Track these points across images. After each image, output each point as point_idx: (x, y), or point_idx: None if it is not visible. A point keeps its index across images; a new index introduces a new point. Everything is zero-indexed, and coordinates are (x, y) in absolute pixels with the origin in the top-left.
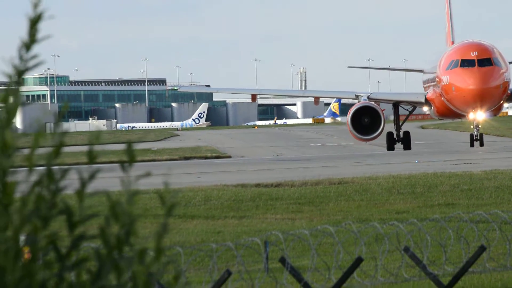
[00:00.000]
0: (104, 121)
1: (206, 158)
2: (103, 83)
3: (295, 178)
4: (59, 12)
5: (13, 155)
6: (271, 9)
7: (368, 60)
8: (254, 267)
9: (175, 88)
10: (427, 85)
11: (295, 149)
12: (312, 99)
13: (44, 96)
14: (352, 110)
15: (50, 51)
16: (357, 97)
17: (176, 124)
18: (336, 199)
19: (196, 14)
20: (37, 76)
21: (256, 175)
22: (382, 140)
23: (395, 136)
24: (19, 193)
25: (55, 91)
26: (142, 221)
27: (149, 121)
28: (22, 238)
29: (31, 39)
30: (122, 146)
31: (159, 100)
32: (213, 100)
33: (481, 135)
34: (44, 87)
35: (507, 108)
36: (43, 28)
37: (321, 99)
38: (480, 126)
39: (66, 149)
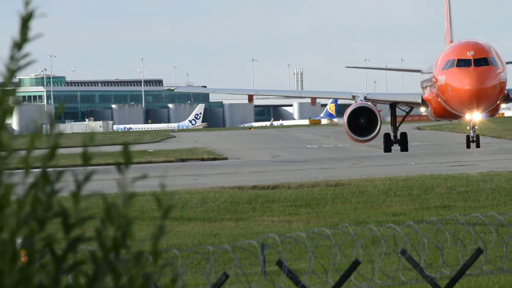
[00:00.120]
0: (100, 122)
1: (203, 160)
2: (99, 84)
3: (291, 180)
4: (55, 12)
5: (9, 156)
6: (267, 9)
7: (365, 60)
8: (251, 270)
9: (172, 88)
10: (424, 85)
11: (292, 151)
12: (308, 100)
13: (40, 97)
14: (348, 111)
15: (46, 52)
16: (353, 97)
17: (173, 125)
18: (333, 201)
19: (192, 15)
20: (34, 77)
21: (253, 177)
22: (379, 141)
23: (392, 138)
24: (15, 195)
25: (52, 92)
26: (139, 224)
27: (146, 122)
28: (18, 241)
29: (23, 38)
30: (118, 148)
31: (156, 101)
32: (210, 101)
33: (478, 136)
34: (41, 88)
35: (504, 109)
36: (39, 28)
37: (317, 100)
38: (476, 127)
39: (62, 150)
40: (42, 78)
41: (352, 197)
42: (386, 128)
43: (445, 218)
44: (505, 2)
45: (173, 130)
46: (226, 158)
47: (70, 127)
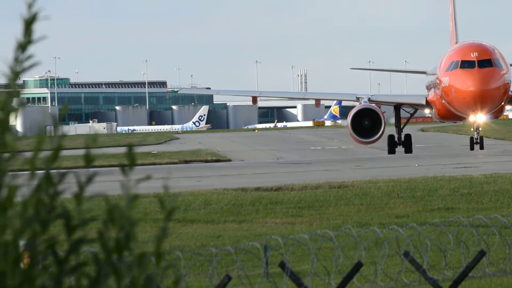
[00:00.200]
0: (104, 124)
1: (206, 161)
2: (103, 86)
3: (295, 182)
4: (59, 14)
5: (14, 158)
6: (271, 11)
7: (369, 62)
8: (254, 271)
9: (175, 90)
10: (429, 87)
11: (295, 153)
12: (312, 102)
13: (44, 98)
14: (352, 113)
15: (50, 53)
16: (358, 99)
17: (177, 127)
18: (336, 203)
19: (196, 16)
20: (38, 79)
21: (256, 179)
22: (383, 143)
23: (396, 139)
24: (19, 197)
25: (56, 94)
26: (142, 225)
27: (150, 124)
28: (21, 242)
29: (27, 40)
30: (122, 150)
31: (160, 103)
32: (214, 102)
33: (481, 138)
34: (45, 90)
35: (508, 111)
36: (43, 30)
37: (321, 102)
38: (480, 128)
39: (66, 152)
40: (46, 80)
41: (355, 199)
42: (390, 130)
43: (448, 220)
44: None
45: (177, 132)
46: (229, 160)
47: (74, 128)
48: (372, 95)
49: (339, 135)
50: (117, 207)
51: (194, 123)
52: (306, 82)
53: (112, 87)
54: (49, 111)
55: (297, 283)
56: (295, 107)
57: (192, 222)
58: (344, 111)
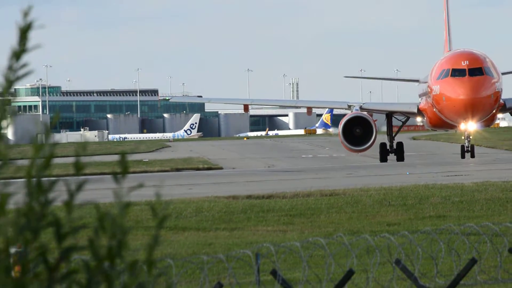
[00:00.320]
0: (96, 132)
1: (198, 169)
2: (95, 94)
3: (286, 189)
4: (50, 22)
5: (5, 166)
6: (263, 20)
7: (361, 70)
8: (245, 279)
9: (167, 98)
10: (421, 95)
11: (287, 161)
12: (304, 110)
13: (36, 106)
14: (343, 121)
15: (42, 62)
16: (349, 107)
17: (168, 135)
18: (328, 211)
19: (188, 25)
20: (29, 87)
21: (248, 187)
22: (375, 151)
23: (388, 147)
24: (9, 205)
25: (47, 102)
26: (133, 233)
27: (141, 132)
28: (12, 250)
29: (21, 49)
30: (114, 158)
31: (151, 111)
32: (205, 111)
33: (472, 146)
34: (36, 98)
35: (499, 119)
36: (34, 38)
37: (313, 110)
38: (471, 137)
39: (57, 160)
40: (38, 88)
41: (347, 207)
42: (382, 138)
43: (439, 228)
44: (505, 13)
45: (169, 140)
46: (221, 168)
47: (65, 136)
48: (363, 103)
49: (330, 143)
50: (108, 214)
51: (185, 131)
52: (297, 91)
53: (104, 95)
54: (41, 119)
55: None
56: (286, 115)
57: (183, 229)
58: (336, 119)
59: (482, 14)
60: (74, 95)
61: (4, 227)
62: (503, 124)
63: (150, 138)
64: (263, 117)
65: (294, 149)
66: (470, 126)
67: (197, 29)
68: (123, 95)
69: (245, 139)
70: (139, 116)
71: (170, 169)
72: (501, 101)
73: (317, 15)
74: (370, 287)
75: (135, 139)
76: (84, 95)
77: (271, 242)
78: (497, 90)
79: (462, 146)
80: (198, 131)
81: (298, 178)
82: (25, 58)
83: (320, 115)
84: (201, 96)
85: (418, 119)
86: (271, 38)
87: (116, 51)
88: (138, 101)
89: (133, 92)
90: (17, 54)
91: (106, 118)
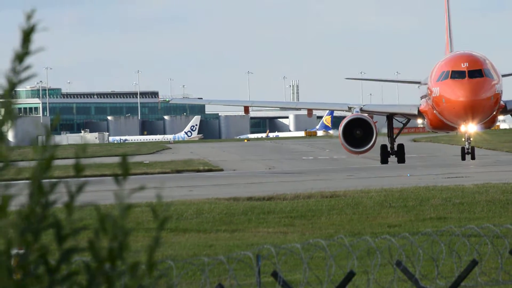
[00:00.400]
0: (96, 134)
1: (198, 171)
2: (95, 96)
3: (287, 191)
4: (50, 24)
5: (7, 168)
6: (263, 22)
7: (361, 73)
8: (246, 281)
9: (167, 100)
10: (421, 96)
11: (287, 162)
12: (304, 112)
13: (36, 108)
14: (343, 122)
15: (42, 64)
16: (350, 109)
17: (169, 137)
18: (328, 212)
19: (188, 27)
20: (29, 89)
21: (248, 189)
22: (376, 153)
23: (389, 149)
24: (11, 206)
25: (47, 104)
26: (134, 235)
27: (142, 134)
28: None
29: (24, 51)
30: (114, 159)
31: (152, 113)
32: (206, 113)
33: (473, 148)
34: (36, 100)
35: (500, 121)
36: (34, 41)
37: (314, 112)
38: (471, 139)
39: (58, 162)
40: (38, 90)
41: (348, 209)
42: (383, 140)
43: (440, 230)
44: (506, 15)
45: (169, 142)
46: (221, 170)
47: (66, 138)
48: (364, 105)
49: (331, 145)
50: (109, 216)
51: (186, 133)
52: (298, 93)
53: (104, 97)
54: (41, 121)
55: None
56: (287, 117)
57: (184, 231)
58: (336, 121)
59: (483, 17)
60: (74, 97)
61: (5, 229)
62: (503, 126)
63: (151, 140)
64: (263, 119)
65: (295, 151)
66: (470, 128)
67: (197, 31)
68: (124, 97)
69: (245, 141)
70: (139, 118)
71: (170, 171)
72: (501, 103)
73: (317, 17)
74: None
75: (136, 141)
76: (84, 97)
77: (272, 244)
78: (497, 92)
79: (463, 148)
80: (198, 133)
81: (298, 180)
82: (27, 60)
83: (320, 117)
84: (201, 98)
85: (419, 121)
86: (271, 40)
87: (116, 53)
88: (139, 103)
89: (133, 94)
90: (20, 57)
91: (107, 120)
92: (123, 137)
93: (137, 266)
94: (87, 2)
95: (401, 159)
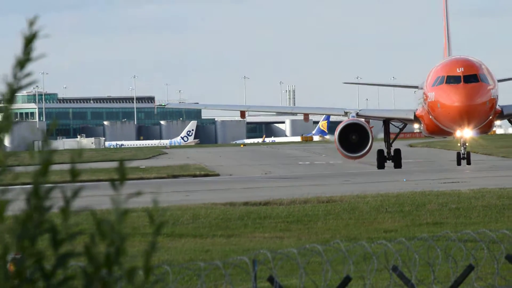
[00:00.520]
0: (92, 139)
1: (195, 176)
2: (91, 101)
3: (283, 196)
4: (47, 29)
5: (3, 173)
6: (259, 26)
7: (357, 78)
8: (242, 286)
9: (163, 104)
10: (418, 101)
11: (284, 167)
12: (300, 117)
13: (32, 114)
14: (339, 127)
15: (38, 69)
16: (346, 113)
17: (165, 142)
18: (325, 217)
19: (184, 32)
20: (26, 94)
21: (245, 194)
22: (371, 158)
23: (385, 154)
24: (7, 212)
25: (44, 109)
26: (130, 240)
27: (138, 139)
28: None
29: (26, 58)
30: (111, 164)
31: (148, 118)
32: (202, 118)
33: (468, 153)
34: (33, 105)
35: (496, 126)
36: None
37: (310, 117)
38: (467, 144)
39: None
40: (34, 95)
41: (344, 214)
42: (379, 145)
43: (436, 235)
44: (504, 20)
45: (165, 147)
46: (218, 175)
47: (62, 143)
48: (360, 110)
49: (327, 150)
50: (106, 221)
51: (182, 138)
52: (294, 98)
53: (100, 102)
54: (37, 126)
55: None
56: (283, 122)
57: (180, 236)
58: (332, 126)
59: (480, 22)
60: (70, 102)
61: (1, 234)
62: (499, 131)
63: (147, 145)
64: (259, 124)
65: (291, 156)
66: (466, 133)
67: (193, 36)
68: (120, 102)
69: (242, 146)
70: (135, 123)
71: (166, 176)
72: (498, 108)
73: (314, 22)
74: None
75: (132, 146)
76: (80, 102)
77: (268, 249)
78: (492, 97)
79: (458, 153)
80: (195, 138)
81: (295, 185)
82: (29, 67)
83: (316, 122)
84: (197, 103)
85: (415, 125)
86: (267, 46)
87: (113, 58)
88: (135, 108)
89: (129, 99)
90: (22, 63)
91: (103, 125)
92: (119, 142)
93: (134, 271)
94: (84, 7)
95: (398, 164)
